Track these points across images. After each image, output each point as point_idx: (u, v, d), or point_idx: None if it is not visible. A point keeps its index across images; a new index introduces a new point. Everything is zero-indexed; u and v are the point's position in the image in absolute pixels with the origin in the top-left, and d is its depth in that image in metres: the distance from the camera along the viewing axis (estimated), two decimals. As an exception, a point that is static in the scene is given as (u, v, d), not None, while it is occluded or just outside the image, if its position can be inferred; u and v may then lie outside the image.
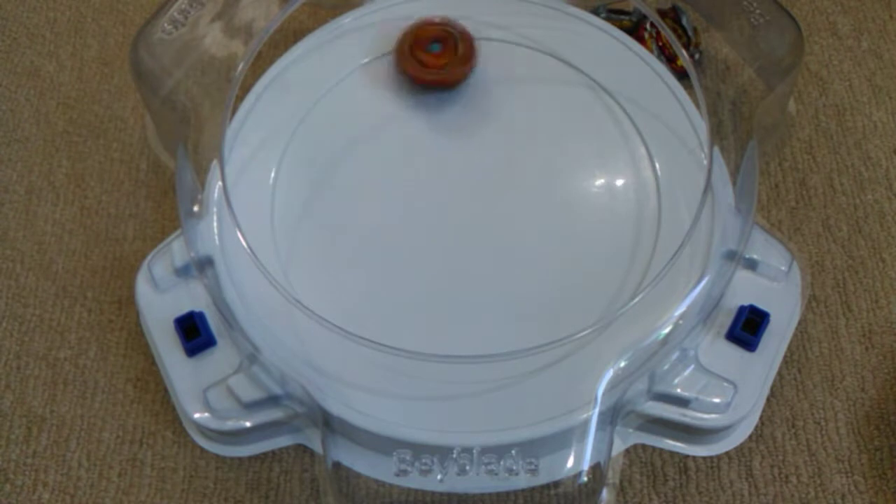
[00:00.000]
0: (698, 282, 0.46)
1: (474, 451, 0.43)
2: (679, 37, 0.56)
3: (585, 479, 0.44)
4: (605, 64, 0.53)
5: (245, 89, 0.52)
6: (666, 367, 0.45)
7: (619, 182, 0.50)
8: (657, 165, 0.50)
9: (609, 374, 0.44)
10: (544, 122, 0.52)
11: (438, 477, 0.43)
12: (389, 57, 0.53)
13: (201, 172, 0.49)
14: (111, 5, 0.63)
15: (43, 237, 0.54)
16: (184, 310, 0.47)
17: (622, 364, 0.44)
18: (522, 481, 0.44)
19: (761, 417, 0.48)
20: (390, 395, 0.45)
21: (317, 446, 0.46)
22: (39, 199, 0.56)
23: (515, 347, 0.43)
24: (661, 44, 0.56)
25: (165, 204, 0.55)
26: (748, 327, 0.47)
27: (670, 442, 0.47)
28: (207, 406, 0.46)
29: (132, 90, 0.58)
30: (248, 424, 0.46)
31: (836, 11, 0.61)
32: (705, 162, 0.48)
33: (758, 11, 0.52)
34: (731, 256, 0.47)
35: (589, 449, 0.44)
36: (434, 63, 0.52)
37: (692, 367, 0.46)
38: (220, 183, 0.48)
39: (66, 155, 0.57)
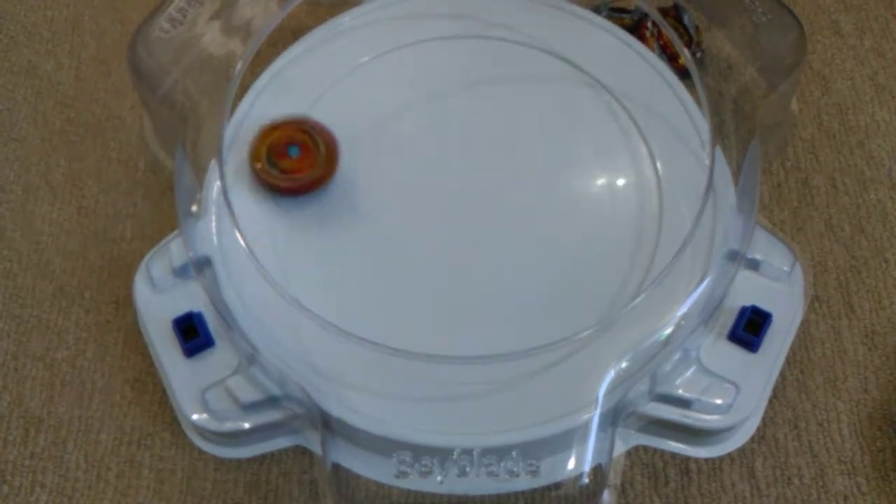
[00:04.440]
0: (700, 282, 0.46)
1: (475, 453, 0.43)
2: (681, 35, 0.56)
3: (587, 480, 0.44)
4: (606, 62, 0.53)
5: (244, 88, 0.52)
6: (668, 367, 0.45)
7: (621, 181, 0.50)
8: (658, 165, 0.50)
9: (610, 374, 0.44)
10: (545, 121, 0.52)
11: (438, 478, 0.43)
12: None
13: (200, 172, 0.49)
14: (109, 4, 0.62)
15: (40, 237, 0.54)
16: (182, 310, 0.47)
17: (623, 365, 0.44)
18: (523, 483, 0.43)
19: (763, 418, 0.48)
20: (390, 396, 0.44)
21: (316, 448, 0.46)
22: (37, 199, 0.55)
23: (516, 348, 0.43)
24: (662, 42, 0.56)
25: (163, 204, 0.55)
26: (750, 328, 0.47)
27: (672, 443, 0.47)
28: (206, 407, 0.45)
29: (130, 89, 0.58)
30: (246, 426, 0.46)
31: (839, 10, 0.61)
32: (707, 161, 0.48)
33: (760, 10, 0.52)
34: (733, 257, 0.47)
35: (590, 450, 0.43)
36: (294, 169, 0.48)
37: (694, 367, 0.46)
38: (218, 182, 0.48)
39: (64, 154, 0.57)
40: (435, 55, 0.54)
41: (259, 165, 0.48)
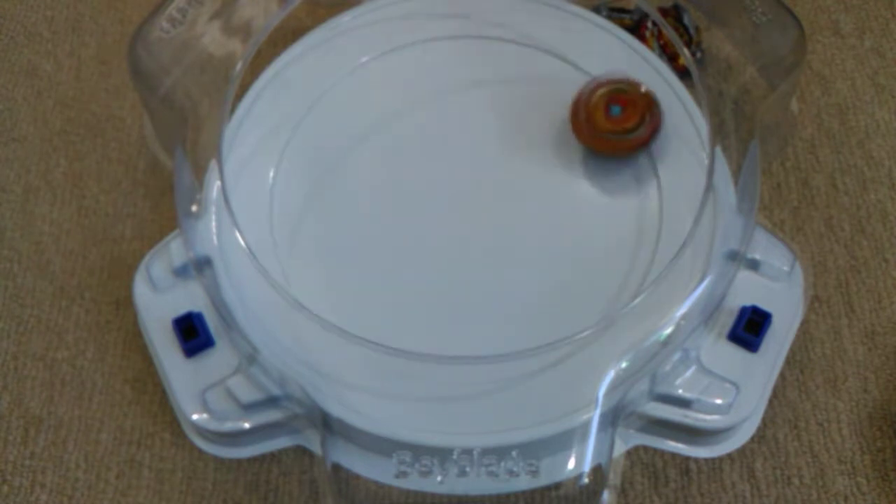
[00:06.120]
0: (700, 282, 0.46)
1: (475, 453, 0.43)
2: (681, 35, 0.56)
3: (586, 480, 0.44)
4: (606, 62, 0.53)
5: (244, 88, 0.52)
6: (667, 367, 0.45)
7: (621, 182, 0.50)
8: (658, 165, 0.50)
9: (610, 375, 0.44)
10: (545, 121, 0.52)
11: (438, 478, 0.43)
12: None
13: (200, 172, 0.49)
14: (109, 4, 0.62)
15: (40, 237, 0.54)
16: (182, 310, 0.47)
17: (623, 365, 0.44)
18: (523, 483, 0.43)
19: (763, 419, 0.48)
20: (390, 396, 0.44)
21: (316, 448, 0.46)
22: (37, 199, 0.55)
23: (516, 348, 0.43)
24: (662, 42, 0.56)
25: (163, 204, 0.55)
26: (750, 328, 0.47)
27: (672, 443, 0.47)
28: (206, 407, 0.46)
29: (130, 89, 0.58)
30: (246, 426, 0.46)
31: (839, 10, 0.61)
32: (707, 161, 0.48)
33: (760, 10, 0.52)
34: (733, 257, 0.47)
35: (590, 450, 0.43)
36: (617, 128, 0.49)
37: (694, 367, 0.46)
38: (218, 182, 0.48)
39: (64, 154, 0.57)
40: (435, 55, 0.54)
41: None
